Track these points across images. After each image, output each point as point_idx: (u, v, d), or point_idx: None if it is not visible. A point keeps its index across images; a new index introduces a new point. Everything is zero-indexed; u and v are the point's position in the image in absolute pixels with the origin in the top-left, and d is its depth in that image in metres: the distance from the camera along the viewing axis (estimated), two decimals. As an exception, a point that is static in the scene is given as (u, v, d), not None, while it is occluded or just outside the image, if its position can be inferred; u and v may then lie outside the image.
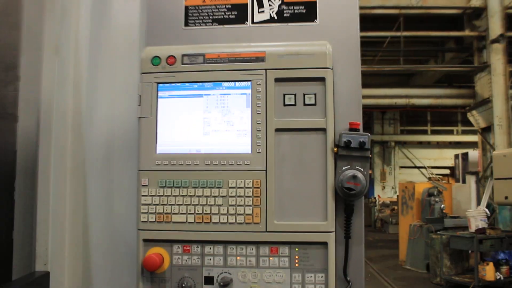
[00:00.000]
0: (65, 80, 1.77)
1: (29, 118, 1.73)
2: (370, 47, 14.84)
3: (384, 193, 20.68)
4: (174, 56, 1.62)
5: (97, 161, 1.83)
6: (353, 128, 1.55)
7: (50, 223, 1.67)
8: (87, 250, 1.77)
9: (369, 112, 19.84)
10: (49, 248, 1.66)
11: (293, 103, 1.57)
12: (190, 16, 1.73)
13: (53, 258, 1.67)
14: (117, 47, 1.83)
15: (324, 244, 1.52)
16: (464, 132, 20.49)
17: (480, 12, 11.83)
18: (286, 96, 1.58)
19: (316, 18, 1.68)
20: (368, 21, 13.08)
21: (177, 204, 1.57)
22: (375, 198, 19.22)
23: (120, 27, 1.84)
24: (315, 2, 1.69)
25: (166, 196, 1.57)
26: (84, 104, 1.82)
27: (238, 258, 1.55)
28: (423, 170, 21.11)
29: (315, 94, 1.57)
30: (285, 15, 1.70)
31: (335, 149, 1.53)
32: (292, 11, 1.69)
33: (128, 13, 1.85)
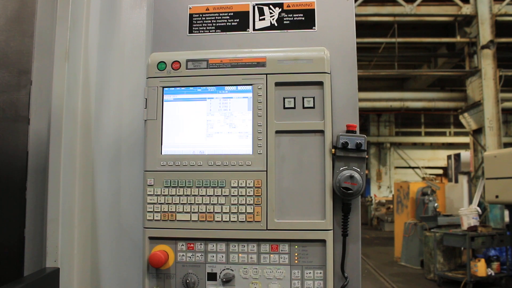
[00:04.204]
0: (75, 84, 1.82)
1: (41, 120, 1.77)
2: (366, 53, 15.09)
3: (380, 193, 20.85)
4: (178, 61, 1.67)
5: (105, 162, 1.87)
6: (350, 130, 1.59)
7: (60, 221, 1.70)
8: (96, 247, 1.81)
9: (365, 115, 20.00)
10: (59, 245, 1.69)
11: (293, 106, 1.62)
12: (194, 24, 1.79)
13: (63, 255, 1.71)
14: (125, 53, 1.88)
15: (323, 241, 1.57)
16: (456, 134, 20.73)
17: (470, 20, 12.14)
18: (286, 100, 1.62)
19: (314, 25, 1.74)
20: (364, 28, 13.30)
21: (181, 203, 1.61)
22: (371, 197, 19.34)
23: (128, 34, 1.89)
24: (314, 10, 1.74)
25: (170, 195, 1.62)
26: (93, 107, 1.87)
27: (240, 255, 1.59)
28: (417, 170, 21.27)
29: (313, 98, 1.61)
30: (285, 22, 1.75)
31: (333, 150, 1.58)
32: (292, 18, 1.75)
33: (135, 20, 1.90)
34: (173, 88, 1.67)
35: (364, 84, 15.72)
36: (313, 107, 1.61)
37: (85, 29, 1.83)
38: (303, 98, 1.62)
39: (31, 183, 1.73)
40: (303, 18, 1.75)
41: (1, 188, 1.66)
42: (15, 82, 1.73)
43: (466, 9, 11.94)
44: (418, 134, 21.74)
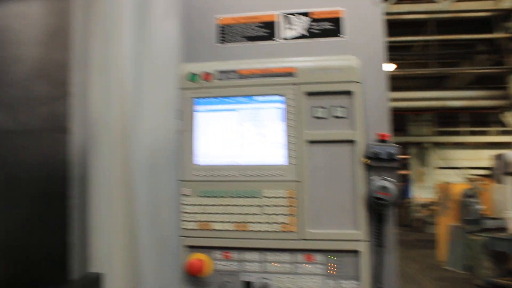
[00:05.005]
0: (111, 96, 1.86)
1: (81, 131, 1.83)
2: (401, 51, 14.41)
3: (421, 193, 20.03)
4: (209, 72, 1.68)
5: (143, 171, 1.92)
6: (381, 140, 1.56)
7: (103, 229, 1.78)
8: (136, 254, 1.88)
9: (403, 115, 19.16)
10: (103, 251, 1.77)
11: (324, 116, 1.59)
12: (223, 34, 1.78)
13: (107, 261, 1.78)
14: (157, 64, 1.90)
15: (357, 252, 1.55)
16: (501, 133, 19.50)
17: (509, 14, 11.35)
18: (317, 109, 1.60)
19: (343, 33, 1.69)
20: (397, 26, 12.74)
21: (216, 213, 1.64)
22: (412, 198, 18.64)
23: (159, 46, 1.90)
24: (342, 18, 1.69)
25: (205, 205, 1.65)
26: (130, 118, 1.91)
27: (275, 264, 1.61)
28: (460, 171, 20.25)
29: (344, 107, 1.58)
30: (313, 31, 1.71)
31: (365, 160, 1.56)
32: (320, 27, 1.70)
33: (165, 32, 1.91)
34: (204, 99, 1.69)
35: (400, 83, 15.10)
36: (345, 117, 1.58)
37: (119, 42, 1.86)
38: (334, 107, 1.59)
39: (74, 191, 1.80)
40: (331, 27, 1.70)
41: (47, 197, 1.75)
42: (55, 94, 1.79)
43: (504, 3, 11.22)
44: (460, 133, 20.73)
